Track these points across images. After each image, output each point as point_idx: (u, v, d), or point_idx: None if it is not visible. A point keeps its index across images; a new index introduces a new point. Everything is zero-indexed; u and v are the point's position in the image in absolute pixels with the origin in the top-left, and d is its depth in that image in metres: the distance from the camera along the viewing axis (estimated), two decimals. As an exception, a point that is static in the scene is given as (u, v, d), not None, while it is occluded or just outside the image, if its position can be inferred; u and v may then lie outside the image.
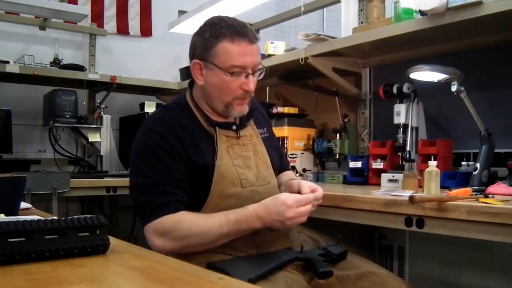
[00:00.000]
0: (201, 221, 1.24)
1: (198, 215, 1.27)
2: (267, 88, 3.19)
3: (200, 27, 1.36)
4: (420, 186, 1.67)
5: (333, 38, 2.32)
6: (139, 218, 1.31)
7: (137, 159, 1.32)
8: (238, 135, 1.40)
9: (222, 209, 1.28)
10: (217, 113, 1.39)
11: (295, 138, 2.61)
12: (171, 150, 1.29)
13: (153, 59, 3.83)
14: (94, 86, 3.44)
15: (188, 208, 1.29)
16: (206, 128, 1.37)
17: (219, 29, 1.30)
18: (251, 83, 1.33)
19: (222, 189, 1.31)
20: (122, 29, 3.80)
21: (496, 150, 1.77)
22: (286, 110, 2.66)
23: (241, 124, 1.43)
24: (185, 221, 1.24)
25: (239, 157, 1.37)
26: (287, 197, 1.23)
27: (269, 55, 2.69)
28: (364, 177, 2.19)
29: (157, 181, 1.27)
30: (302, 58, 2.32)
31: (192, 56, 1.36)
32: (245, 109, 1.39)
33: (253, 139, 1.44)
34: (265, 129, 1.53)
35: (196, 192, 1.31)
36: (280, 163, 1.58)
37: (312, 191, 1.33)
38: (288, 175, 1.62)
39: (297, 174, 2.39)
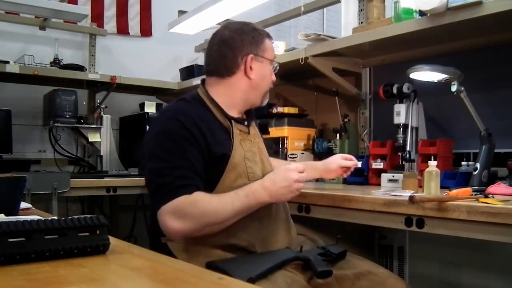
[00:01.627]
0: (215, 200, 1.28)
1: (212, 195, 1.30)
2: (267, 88, 3.18)
3: (234, 30, 1.46)
4: (420, 186, 1.67)
5: (333, 38, 2.32)
6: (153, 201, 1.31)
7: (156, 145, 1.34)
8: (249, 131, 1.48)
9: None
10: (237, 109, 1.48)
11: (295, 138, 2.61)
12: (190, 138, 1.32)
13: (153, 59, 3.83)
14: (94, 86, 3.44)
15: None
16: (222, 121, 1.42)
17: (257, 29, 1.49)
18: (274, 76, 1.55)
19: (231, 181, 1.35)
20: (122, 29, 3.80)
21: (496, 150, 1.77)
22: (286, 110, 2.66)
23: (249, 122, 1.51)
24: (200, 200, 1.27)
25: (249, 151, 1.43)
26: (286, 166, 1.38)
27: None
28: (364, 177, 2.19)
29: (175, 165, 1.29)
30: (302, 58, 2.32)
31: (238, 53, 1.44)
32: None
33: (256, 138, 1.52)
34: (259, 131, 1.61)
35: (205, 182, 1.33)
36: None
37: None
38: (279, 160, 1.81)
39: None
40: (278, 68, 1.54)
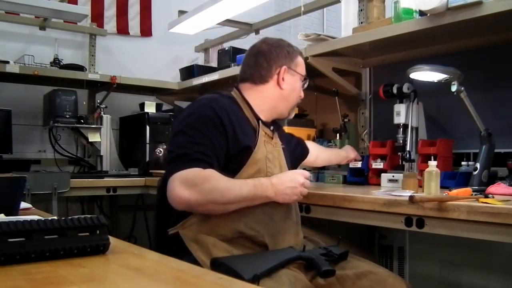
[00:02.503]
0: (225, 180, 1.32)
1: (223, 176, 1.33)
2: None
3: (271, 43, 1.57)
4: (420, 186, 1.67)
5: (333, 38, 2.32)
6: (168, 169, 1.34)
7: (185, 125, 1.39)
8: (272, 136, 1.55)
9: None
10: (264, 115, 1.55)
11: (295, 138, 2.60)
12: (219, 126, 1.37)
13: (153, 59, 3.83)
14: (94, 86, 3.44)
15: None
16: (250, 119, 1.50)
17: (291, 46, 1.59)
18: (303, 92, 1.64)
19: (249, 175, 1.39)
20: (122, 29, 3.80)
21: (496, 150, 1.76)
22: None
23: (274, 129, 1.58)
24: (212, 177, 1.30)
25: (270, 153, 1.49)
26: (294, 169, 1.52)
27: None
28: (364, 177, 2.19)
29: (197, 141, 1.34)
30: (302, 58, 2.32)
31: (273, 63, 1.54)
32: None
33: (278, 146, 1.58)
34: (283, 140, 1.67)
35: (225, 171, 1.35)
36: (304, 146, 2.00)
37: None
38: (321, 148, 2.18)
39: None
40: (307, 85, 1.64)
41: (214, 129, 1.37)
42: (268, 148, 1.48)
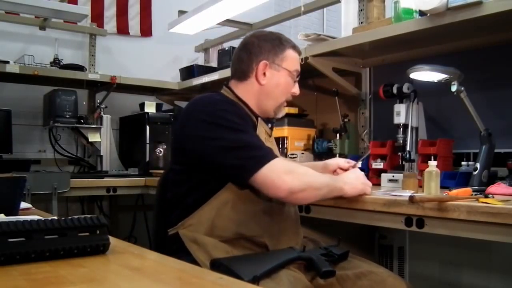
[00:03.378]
0: (308, 168, 1.39)
1: None
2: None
3: (259, 36, 1.50)
4: (420, 186, 1.67)
5: (333, 38, 2.32)
6: (249, 165, 1.28)
7: (217, 121, 1.32)
8: (271, 134, 1.54)
9: (240, 193, 1.33)
10: (259, 112, 1.50)
11: (295, 138, 2.61)
12: (240, 119, 1.36)
13: (153, 59, 3.83)
14: (94, 86, 3.44)
15: (206, 189, 1.35)
16: (250, 115, 1.47)
17: (281, 38, 1.50)
18: (298, 88, 1.55)
19: None
20: (122, 29, 3.80)
21: (496, 150, 1.76)
22: (286, 110, 2.65)
23: (272, 126, 1.56)
24: (299, 165, 1.39)
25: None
26: (357, 171, 1.56)
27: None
28: (364, 177, 2.19)
29: (253, 134, 1.37)
30: (302, 58, 2.32)
31: (254, 57, 1.47)
32: (284, 111, 1.59)
33: (275, 144, 1.58)
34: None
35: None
36: None
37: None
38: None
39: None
40: (296, 80, 1.53)
41: (239, 119, 1.35)
42: (268, 145, 1.46)
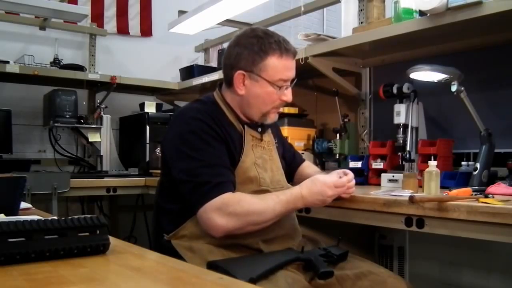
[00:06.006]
0: (258, 201, 1.31)
1: (253, 196, 1.33)
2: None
3: (243, 39, 1.40)
4: (420, 186, 1.67)
5: (333, 38, 2.32)
6: (193, 200, 1.30)
7: (183, 145, 1.34)
8: (262, 137, 1.48)
9: None
10: (247, 119, 1.46)
11: (295, 138, 2.61)
12: (215, 135, 1.35)
13: (153, 59, 3.83)
14: (94, 86, 3.44)
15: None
16: (235, 125, 1.44)
17: (268, 44, 1.37)
18: (291, 94, 1.45)
19: (240, 186, 1.36)
20: (122, 29, 3.80)
21: (496, 150, 1.76)
22: (286, 110, 2.65)
23: (264, 129, 1.50)
24: (244, 200, 1.29)
25: (260, 158, 1.44)
26: (325, 179, 1.38)
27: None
28: (364, 177, 2.19)
29: (210, 163, 1.31)
30: (302, 58, 2.32)
31: (233, 66, 1.40)
32: (276, 117, 1.49)
33: (270, 145, 1.52)
34: (276, 139, 1.60)
35: None
36: (296, 158, 1.74)
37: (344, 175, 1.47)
38: (310, 166, 1.78)
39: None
40: (288, 88, 1.45)
41: (214, 141, 1.34)
42: (257, 153, 1.44)
